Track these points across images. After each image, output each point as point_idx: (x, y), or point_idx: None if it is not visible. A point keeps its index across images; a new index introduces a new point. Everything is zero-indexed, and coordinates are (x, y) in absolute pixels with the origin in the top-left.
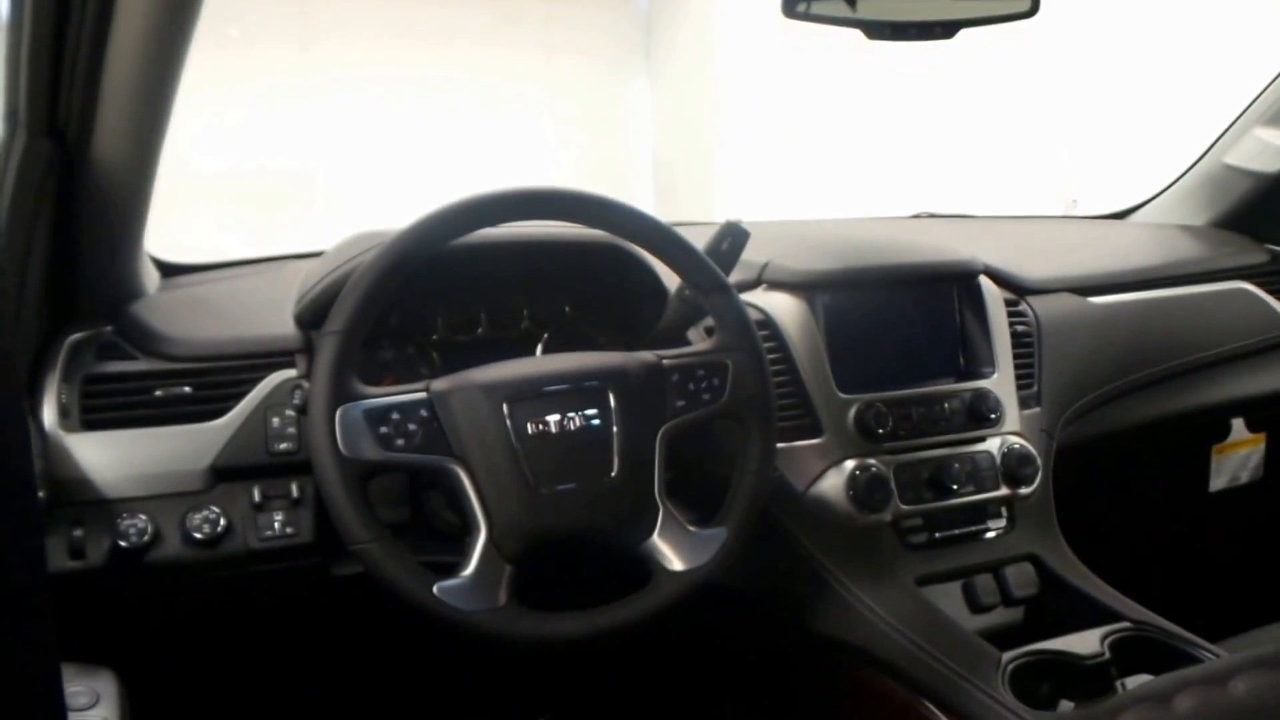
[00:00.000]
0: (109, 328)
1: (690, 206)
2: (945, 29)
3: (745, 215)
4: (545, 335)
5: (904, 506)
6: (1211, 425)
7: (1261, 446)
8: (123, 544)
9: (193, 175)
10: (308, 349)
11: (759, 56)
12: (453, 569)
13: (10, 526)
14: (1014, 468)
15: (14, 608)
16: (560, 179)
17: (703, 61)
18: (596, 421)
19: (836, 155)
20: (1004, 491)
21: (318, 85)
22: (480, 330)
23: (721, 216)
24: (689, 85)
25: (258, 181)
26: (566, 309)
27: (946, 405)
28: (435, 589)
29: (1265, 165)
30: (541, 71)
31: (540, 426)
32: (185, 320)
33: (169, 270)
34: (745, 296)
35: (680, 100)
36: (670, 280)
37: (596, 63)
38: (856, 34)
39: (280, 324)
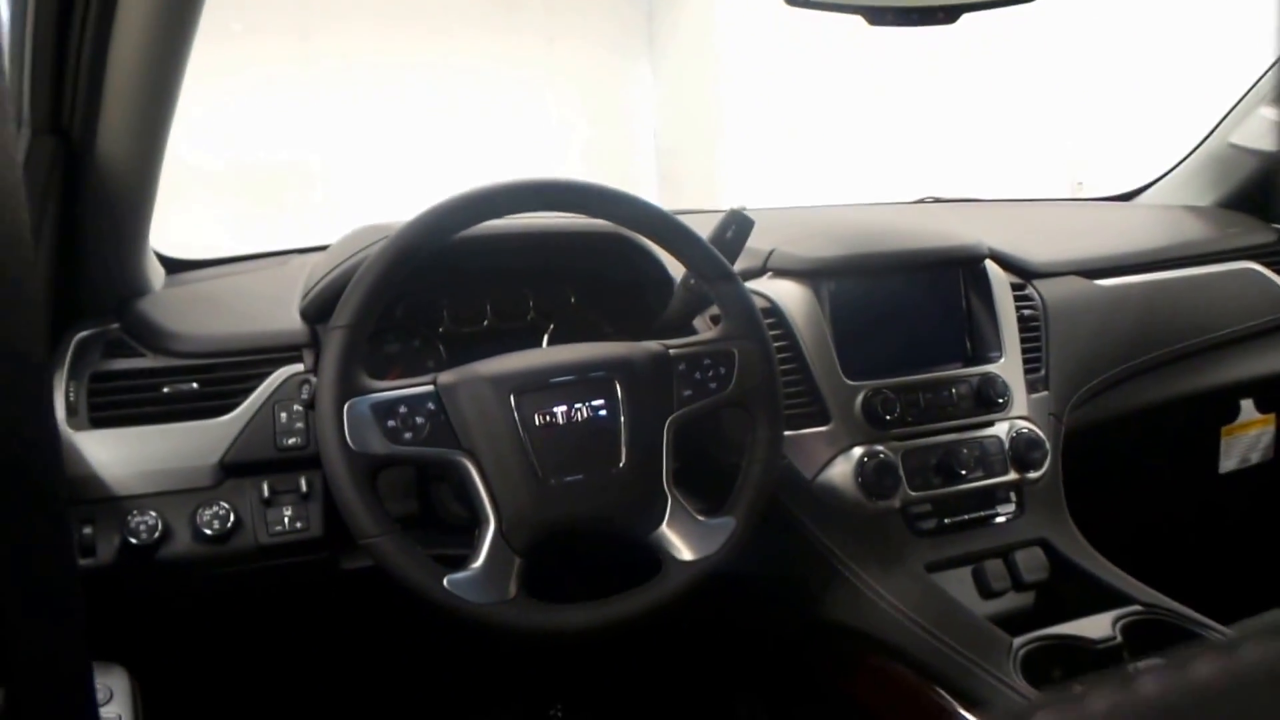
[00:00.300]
0: (115, 325)
1: (694, 193)
2: (947, 14)
3: (750, 201)
4: (551, 326)
5: (912, 493)
6: (1221, 406)
7: (1271, 427)
8: (133, 541)
9: (190, 167)
10: (314, 343)
11: (763, 40)
12: (462, 561)
13: (42, 526)
14: (1023, 452)
15: (47, 606)
16: (563, 166)
17: (706, 46)
18: (604, 412)
19: (842, 140)
20: (1013, 476)
21: (317, 75)
22: (486, 322)
23: (726, 203)
24: (692, 70)
25: (256, 173)
26: (572, 300)
27: (954, 390)
28: (445, 582)
29: (1271, 144)
30: (543, 58)
31: (547, 418)
32: (191, 316)
33: (174, 266)
34: (751, 284)
35: (683, 85)
36: (676, 269)
37: (598, 48)
38: (860, 19)
39: (286, 319)
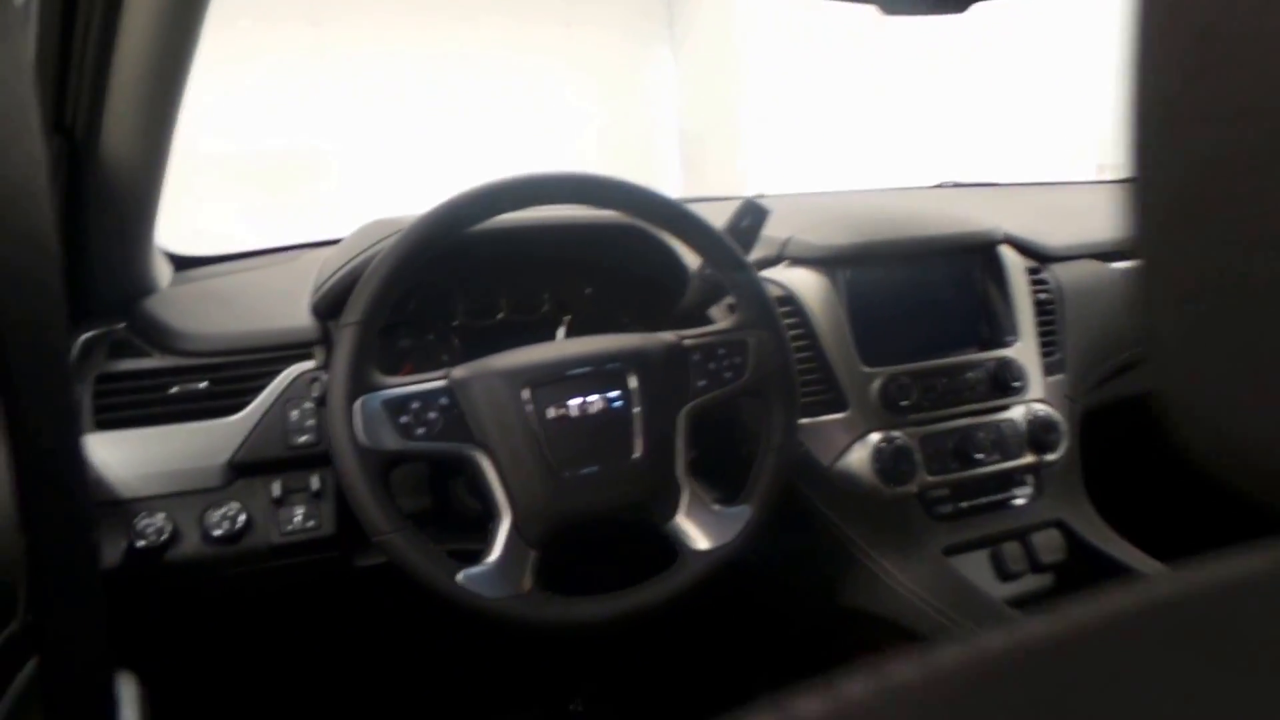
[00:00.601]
0: (121, 325)
1: (718, 177)
2: (959, 2)
3: (775, 184)
4: (567, 318)
5: (930, 477)
6: None
7: None
8: (140, 544)
9: (200, 157)
10: (326, 340)
11: (785, 21)
12: (477, 557)
13: (68, 530)
14: (1039, 434)
15: (72, 612)
16: (582, 154)
17: (727, 28)
18: (618, 404)
19: (868, 122)
20: (1030, 459)
21: (328, 63)
22: (501, 315)
23: (751, 186)
24: (714, 53)
25: (268, 162)
26: (588, 291)
27: (970, 375)
28: (459, 577)
29: None
30: (561, 44)
31: (561, 411)
32: (199, 314)
33: (182, 263)
34: (767, 273)
35: (705, 68)
36: (692, 259)
37: (617, 33)
38: (875, 8)
39: (297, 315)
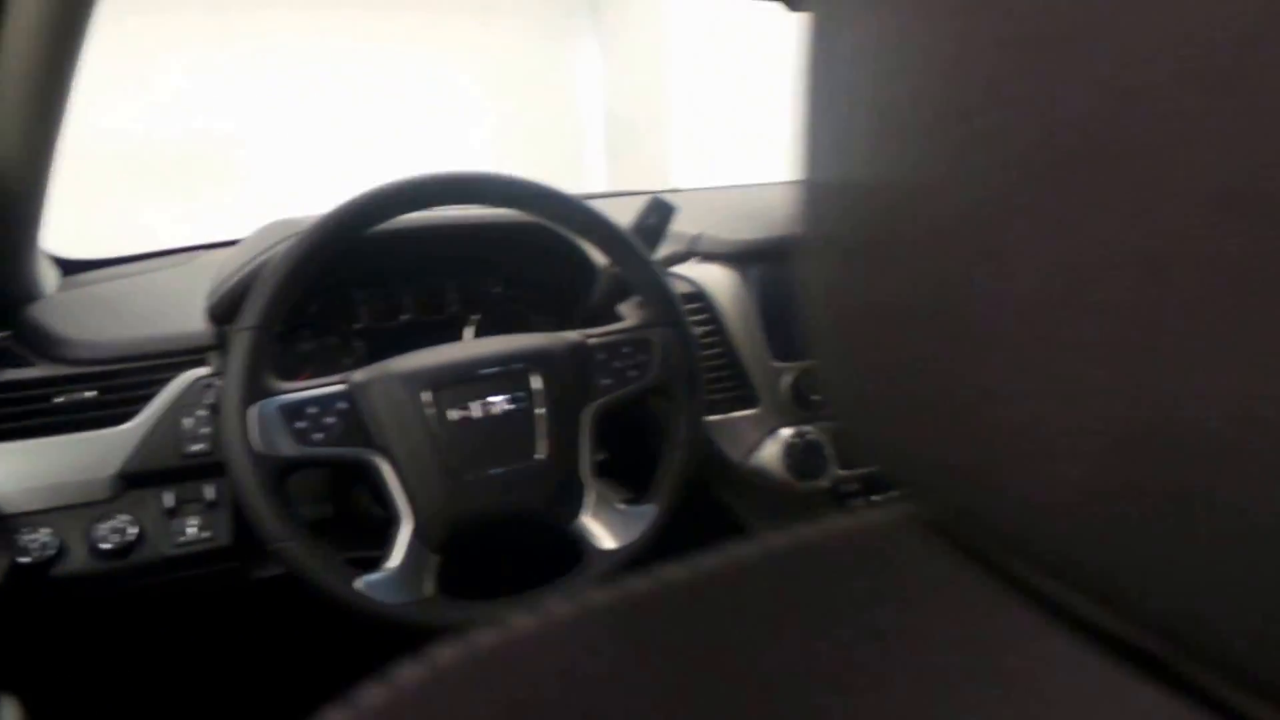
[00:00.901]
0: (4, 334)
1: (648, 168)
2: None
3: (707, 173)
4: (475, 318)
5: (842, 471)
6: None
7: None
8: (22, 560)
9: (108, 154)
10: (221, 345)
11: (716, 9)
12: (380, 563)
13: None
14: None
15: None
16: (504, 149)
17: (655, 14)
18: (520, 404)
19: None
20: None
21: (236, 55)
22: (406, 316)
23: (681, 176)
24: (640, 42)
25: (176, 158)
26: (496, 290)
27: None
28: (358, 583)
29: None
30: (481, 39)
31: (463, 412)
32: (87, 321)
33: (71, 268)
34: (678, 269)
35: (632, 59)
36: (600, 257)
37: (536, 23)
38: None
39: (191, 320)
